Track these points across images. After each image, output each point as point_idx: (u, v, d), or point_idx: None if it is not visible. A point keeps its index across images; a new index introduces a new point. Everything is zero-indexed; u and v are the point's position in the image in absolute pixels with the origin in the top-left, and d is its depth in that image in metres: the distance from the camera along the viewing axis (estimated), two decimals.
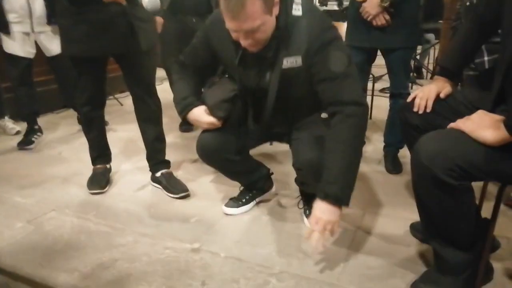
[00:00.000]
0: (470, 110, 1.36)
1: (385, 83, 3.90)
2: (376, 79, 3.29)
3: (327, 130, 1.41)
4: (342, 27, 2.87)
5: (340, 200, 1.32)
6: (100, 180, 2.10)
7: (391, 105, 2.30)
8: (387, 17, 2.06)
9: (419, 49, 4.69)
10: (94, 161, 2.17)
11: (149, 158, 2.13)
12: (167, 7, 2.66)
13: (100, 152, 2.17)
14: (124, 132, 3.01)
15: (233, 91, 1.55)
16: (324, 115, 1.55)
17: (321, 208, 1.32)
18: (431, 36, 4.57)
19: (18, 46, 2.59)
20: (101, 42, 1.78)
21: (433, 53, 4.83)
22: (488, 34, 1.54)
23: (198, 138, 1.65)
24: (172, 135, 2.91)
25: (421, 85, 4.32)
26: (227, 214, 1.85)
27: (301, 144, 1.56)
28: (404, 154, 2.24)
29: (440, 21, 4.17)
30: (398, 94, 2.25)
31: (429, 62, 4.92)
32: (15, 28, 2.57)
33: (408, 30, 2.11)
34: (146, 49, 1.86)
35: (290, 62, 1.42)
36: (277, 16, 1.37)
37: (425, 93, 1.40)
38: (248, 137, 1.69)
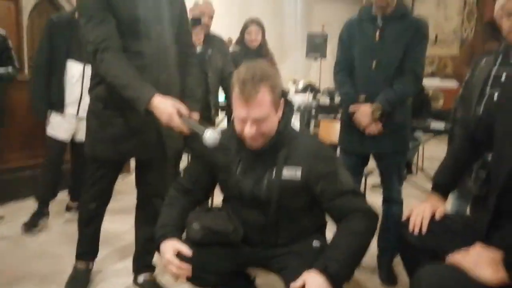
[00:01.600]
0: (465, 231, 1.36)
1: (375, 178, 3.93)
2: (367, 174, 3.31)
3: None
4: (334, 126, 2.96)
5: (336, 280, 1.25)
6: (80, 282, 1.97)
7: (384, 211, 2.28)
8: (379, 125, 2.12)
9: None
10: (78, 255, 2.03)
11: (136, 258, 2.03)
12: None
13: (88, 249, 2.03)
14: (112, 224, 2.89)
15: (227, 227, 1.46)
16: (316, 243, 1.50)
17: (315, 281, 1.23)
18: (418, 135, 4.70)
19: (63, 127, 2.71)
20: (128, 146, 1.76)
21: (422, 149, 4.96)
22: (481, 152, 1.58)
23: None
24: None
25: (412, 181, 4.39)
26: None
27: (288, 274, 1.40)
28: (399, 261, 2.17)
29: (428, 119, 4.35)
30: (391, 199, 2.24)
31: (418, 158, 5.03)
32: (67, 110, 2.69)
33: (399, 135, 2.16)
34: (171, 156, 1.88)
35: (290, 173, 1.43)
36: (279, 121, 1.43)
37: (420, 213, 1.40)
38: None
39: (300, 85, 6.06)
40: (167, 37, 1.74)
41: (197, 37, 2.59)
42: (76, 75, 2.67)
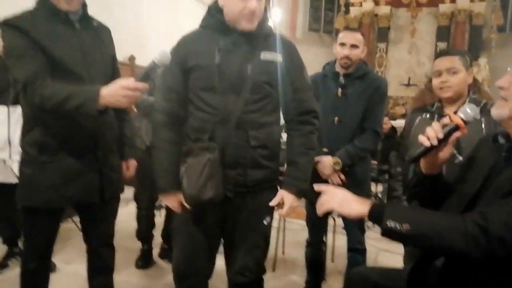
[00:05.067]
0: None
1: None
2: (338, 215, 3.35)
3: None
4: None
5: (301, 192, 1.68)
6: None
7: (348, 259, 2.32)
8: (342, 176, 2.19)
9: (380, 187, 4.91)
10: None
11: None
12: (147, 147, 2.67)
13: None
14: (75, 266, 2.84)
15: (207, 160, 1.53)
16: (267, 220, 1.69)
17: (291, 199, 1.64)
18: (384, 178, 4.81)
19: None
20: (69, 191, 1.66)
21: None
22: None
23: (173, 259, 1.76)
24: (126, 273, 2.78)
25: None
26: None
27: (234, 261, 1.70)
28: None
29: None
30: (354, 249, 2.29)
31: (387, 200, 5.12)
32: None
33: (360, 189, 2.22)
34: (109, 198, 1.79)
35: (272, 56, 1.59)
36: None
37: None
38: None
39: None
40: (99, 79, 1.66)
41: None
42: (0, 118, 2.59)
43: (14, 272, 2.69)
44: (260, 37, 1.60)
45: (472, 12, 9.02)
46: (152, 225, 3.02)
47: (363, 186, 2.27)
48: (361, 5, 9.83)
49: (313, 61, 8.63)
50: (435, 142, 1.22)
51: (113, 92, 1.49)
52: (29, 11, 1.62)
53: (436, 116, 1.88)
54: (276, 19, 9.50)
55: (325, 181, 2.21)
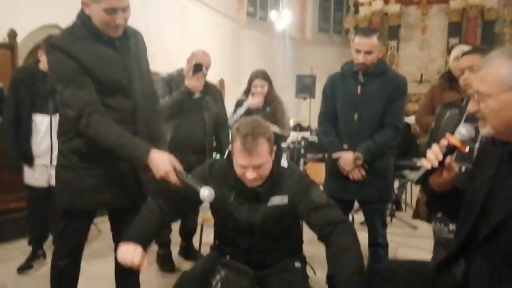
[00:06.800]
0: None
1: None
2: (356, 211, 3.37)
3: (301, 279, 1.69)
4: (321, 168, 3.03)
5: None
6: None
7: (370, 255, 2.33)
8: (363, 172, 2.20)
9: (396, 183, 4.89)
10: None
11: None
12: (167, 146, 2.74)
13: None
14: (97, 266, 2.89)
15: None
16: (297, 264, 1.74)
17: None
18: (406, 172, 4.80)
19: (35, 177, 2.73)
20: (107, 196, 1.75)
21: (410, 186, 5.04)
22: None
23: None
24: (148, 270, 2.80)
25: (400, 217, 4.43)
26: None
27: None
28: None
29: (414, 159, 4.46)
30: (376, 244, 2.29)
31: (406, 195, 5.11)
32: (37, 161, 2.73)
33: (382, 185, 2.25)
34: (142, 202, 1.85)
35: (278, 200, 1.68)
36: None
37: None
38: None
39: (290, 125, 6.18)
40: (139, 93, 1.80)
41: (198, 81, 2.69)
42: (43, 127, 2.72)
43: (39, 272, 2.75)
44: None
45: (484, 7, 8.93)
46: (169, 230, 2.99)
47: (385, 182, 2.28)
48: (370, 4, 9.80)
49: (323, 62, 8.72)
50: (435, 164, 1.26)
51: (160, 162, 1.60)
52: (71, 30, 1.67)
53: (465, 114, 1.89)
54: (286, 22, 9.55)
55: (346, 177, 2.22)
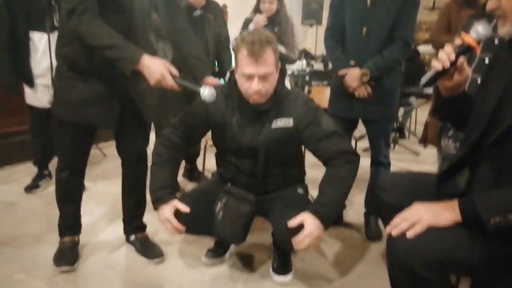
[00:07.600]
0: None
1: (366, 141, 3.97)
2: (359, 138, 3.35)
3: (305, 198, 1.74)
4: (326, 92, 2.96)
5: (327, 221, 1.55)
6: (68, 256, 1.91)
7: (372, 173, 2.33)
8: (369, 89, 2.12)
9: (401, 111, 4.83)
10: (62, 233, 1.96)
11: (125, 221, 2.07)
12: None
13: (71, 223, 1.96)
14: (103, 186, 2.95)
15: (246, 214, 1.68)
16: (300, 190, 1.74)
17: (312, 223, 1.52)
18: (412, 99, 4.73)
19: (37, 97, 2.68)
20: (91, 112, 1.70)
21: (415, 114, 4.99)
22: None
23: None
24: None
25: (404, 145, 4.44)
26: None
27: (279, 215, 1.67)
28: None
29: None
30: (379, 162, 2.28)
31: (411, 123, 5.08)
32: (38, 81, 2.65)
33: (387, 102, 2.18)
34: (149, 122, 1.90)
35: (283, 122, 1.66)
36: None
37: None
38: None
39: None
40: (140, 12, 1.70)
41: None
42: (42, 46, 2.60)
43: (46, 191, 2.81)
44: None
45: None
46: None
47: (390, 100, 2.20)
48: None
49: None
50: (447, 65, 1.17)
51: (154, 66, 1.51)
52: None
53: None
54: None
55: (352, 95, 2.15)
